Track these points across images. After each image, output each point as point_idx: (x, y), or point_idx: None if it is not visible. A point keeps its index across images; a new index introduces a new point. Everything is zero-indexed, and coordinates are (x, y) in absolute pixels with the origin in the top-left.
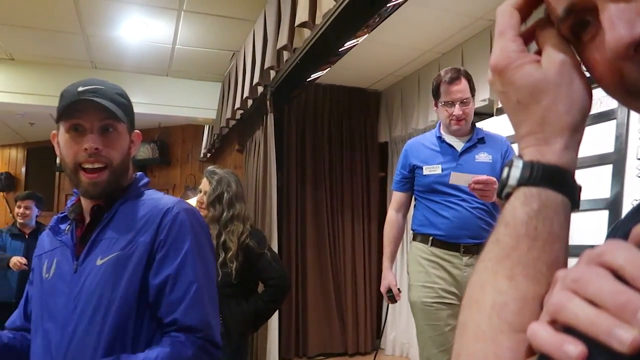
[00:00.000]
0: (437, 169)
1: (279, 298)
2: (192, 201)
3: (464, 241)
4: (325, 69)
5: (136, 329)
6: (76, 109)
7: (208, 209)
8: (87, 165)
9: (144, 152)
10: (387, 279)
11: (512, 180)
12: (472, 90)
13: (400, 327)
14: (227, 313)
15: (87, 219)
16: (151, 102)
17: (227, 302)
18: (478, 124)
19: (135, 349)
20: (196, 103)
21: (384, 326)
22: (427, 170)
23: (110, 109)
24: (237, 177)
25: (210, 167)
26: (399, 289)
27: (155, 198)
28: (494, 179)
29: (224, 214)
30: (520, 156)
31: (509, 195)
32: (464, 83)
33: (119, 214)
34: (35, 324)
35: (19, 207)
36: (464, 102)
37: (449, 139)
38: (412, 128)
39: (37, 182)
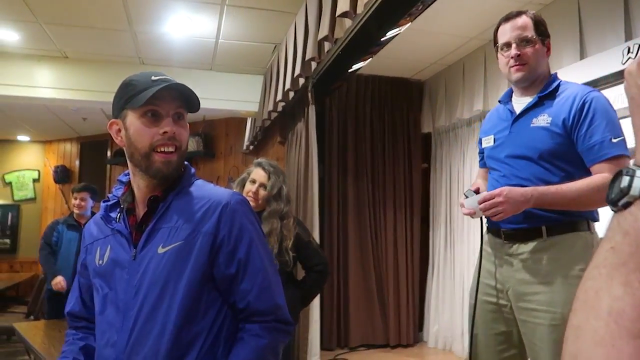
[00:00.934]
0: (490, 140)
1: (322, 283)
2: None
3: (504, 226)
4: (367, 59)
5: (201, 316)
6: (155, 96)
7: (268, 203)
8: (162, 149)
9: (189, 144)
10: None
11: (635, 191)
12: (543, 32)
13: (444, 320)
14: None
15: (142, 208)
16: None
17: (284, 289)
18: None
19: (199, 336)
20: (239, 96)
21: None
22: (484, 142)
23: (186, 96)
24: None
25: (264, 160)
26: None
27: (209, 188)
28: (501, 190)
29: (284, 208)
30: (638, 165)
31: (627, 204)
32: (523, 20)
33: (174, 203)
34: (97, 309)
35: (75, 198)
36: (523, 42)
37: (516, 99)
38: (457, 118)
39: (90, 175)
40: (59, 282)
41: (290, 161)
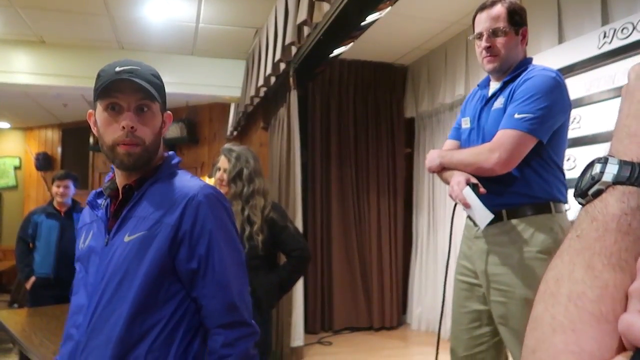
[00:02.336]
0: (467, 122)
1: (302, 268)
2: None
3: None
4: (348, 43)
5: (158, 307)
6: (114, 88)
7: (229, 186)
8: (124, 143)
9: (172, 131)
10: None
11: (608, 177)
12: (517, 22)
13: (427, 302)
14: (256, 284)
15: (120, 196)
16: (178, 82)
17: (255, 274)
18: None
19: (154, 328)
20: (221, 81)
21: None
22: (463, 123)
23: (146, 89)
24: (254, 153)
25: (227, 145)
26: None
27: (183, 180)
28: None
29: (245, 189)
30: (611, 155)
31: (598, 192)
32: (497, 9)
33: (148, 193)
34: (73, 292)
35: (58, 186)
36: (494, 33)
37: (492, 85)
38: (439, 103)
39: (73, 162)
40: (32, 283)
41: (273, 146)
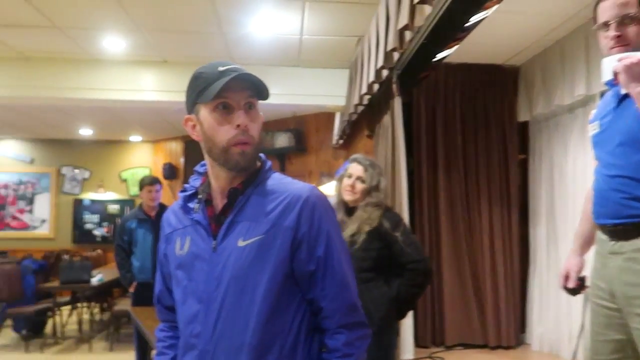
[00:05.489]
0: (596, 127)
1: (421, 282)
2: (328, 186)
3: (604, 221)
4: (453, 46)
5: (281, 311)
6: (223, 87)
7: (364, 195)
8: (238, 143)
9: (281, 140)
10: (566, 263)
11: None
12: None
13: (549, 322)
14: (367, 297)
15: (219, 200)
16: (284, 93)
17: (366, 287)
18: None
19: (282, 332)
20: (326, 91)
21: None
22: (590, 129)
23: (255, 85)
24: None
25: (360, 155)
26: (581, 279)
27: (287, 182)
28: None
29: (382, 199)
30: None
31: None
32: None
33: (253, 196)
34: (178, 300)
35: (150, 191)
36: (625, 20)
37: None
38: (556, 105)
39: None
40: (134, 287)
41: (378, 155)
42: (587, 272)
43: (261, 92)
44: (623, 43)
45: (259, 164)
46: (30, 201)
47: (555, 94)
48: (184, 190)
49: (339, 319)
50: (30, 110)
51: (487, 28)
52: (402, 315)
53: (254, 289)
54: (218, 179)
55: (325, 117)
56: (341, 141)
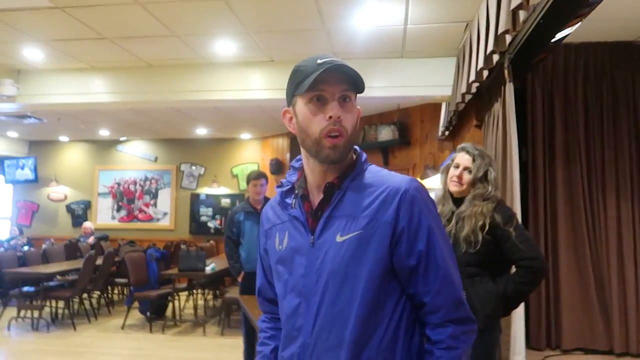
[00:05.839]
0: None
1: (532, 280)
2: (432, 179)
3: None
4: (575, 24)
5: (380, 306)
6: (318, 80)
7: (473, 186)
8: (330, 134)
9: (385, 133)
10: None
11: None
12: None
13: None
14: (471, 292)
15: (316, 194)
16: (388, 85)
17: (471, 281)
18: None
19: (380, 325)
20: (432, 81)
21: None
22: None
23: (351, 78)
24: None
25: (468, 144)
26: None
27: (384, 174)
28: None
29: (491, 191)
30: None
31: None
32: None
33: (350, 190)
34: (280, 294)
35: (255, 185)
36: None
37: None
38: None
39: None
40: (242, 277)
41: (488, 145)
42: None
43: (357, 84)
44: None
45: (354, 157)
46: (155, 195)
47: None
48: (280, 186)
49: (444, 314)
50: (153, 113)
51: (615, 1)
52: (507, 313)
53: (353, 284)
54: (313, 172)
55: (430, 109)
56: (447, 133)
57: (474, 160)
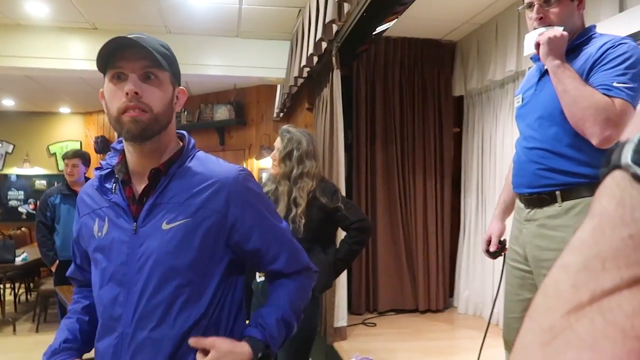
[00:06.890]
0: (519, 100)
1: (363, 239)
2: (267, 160)
3: (521, 190)
4: (392, 20)
5: (207, 291)
6: (118, 57)
7: (279, 166)
8: (128, 111)
9: (221, 113)
10: (489, 228)
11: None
12: None
13: (475, 286)
14: None
15: (137, 179)
16: (224, 64)
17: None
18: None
19: (208, 310)
20: (267, 63)
21: None
22: (515, 102)
23: (151, 55)
24: (311, 136)
25: (285, 126)
26: (501, 242)
27: (213, 162)
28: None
29: (294, 171)
30: None
31: None
32: None
33: (177, 177)
34: (96, 282)
35: (67, 165)
36: (546, 1)
37: None
38: (488, 80)
39: None
40: (57, 266)
41: (318, 128)
42: (507, 237)
43: (160, 61)
44: (544, 24)
45: (181, 143)
46: None
47: (488, 69)
48: (100, 168)
49: (294, 271)
50: None
51: (426, 3)
52: (337, 274)
53: (178, 271)
54: (132, 155)
55: (267, 90)
56: (282, 114)
57: (282, 140)
